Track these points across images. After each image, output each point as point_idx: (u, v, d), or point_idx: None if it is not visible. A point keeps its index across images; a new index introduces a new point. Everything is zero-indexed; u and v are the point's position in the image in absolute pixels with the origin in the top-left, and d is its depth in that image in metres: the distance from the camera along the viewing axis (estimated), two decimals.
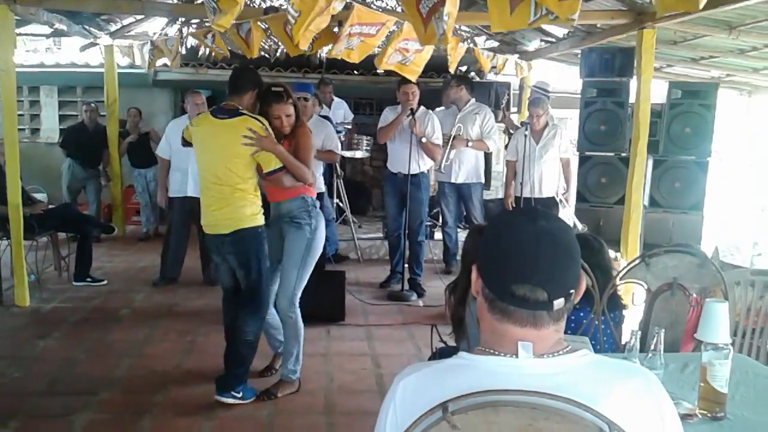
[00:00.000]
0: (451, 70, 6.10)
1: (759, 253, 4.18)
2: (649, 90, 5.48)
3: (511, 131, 7.29)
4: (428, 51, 4.84)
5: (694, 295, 2.74)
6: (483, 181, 6.69)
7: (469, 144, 6.31)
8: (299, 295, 3.69)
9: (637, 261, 2.89)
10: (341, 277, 5.14)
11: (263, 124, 3.43)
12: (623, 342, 2.69)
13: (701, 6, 2.12)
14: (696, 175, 6.23)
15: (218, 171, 3.46)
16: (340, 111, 7.94)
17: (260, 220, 3.55)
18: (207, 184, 3.55)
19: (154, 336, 4.73)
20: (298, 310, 3.70)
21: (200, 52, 6.32)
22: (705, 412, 1.90)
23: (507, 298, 1.16)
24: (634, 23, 5.40)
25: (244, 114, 3.44)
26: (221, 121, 3.46)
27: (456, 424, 1.05)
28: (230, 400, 3.58)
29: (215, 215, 3.53)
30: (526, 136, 5.94)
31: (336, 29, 4.34)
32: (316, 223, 3.67)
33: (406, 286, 5.88)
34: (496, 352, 1.18)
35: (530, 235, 1.16)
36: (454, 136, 6.26)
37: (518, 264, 1.16)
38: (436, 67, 7.76)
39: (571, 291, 1.19)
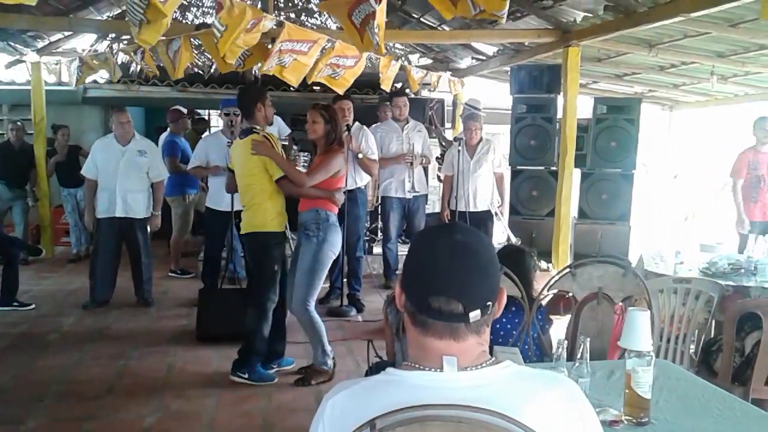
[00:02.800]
0: (385, 87, 6.17)
1: (681, 262, 4.35)
2: (575, 105, 5.69)
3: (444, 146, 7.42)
4: (360, 67, 4.89)
5: (619, 304, 2.84)
6: (427, 192, 6.78)
7: (423, 161, 6.42)
8: (312, 300, 4.07)
9: (565, 272, 2.97)
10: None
11: (265, 136, 3.96)
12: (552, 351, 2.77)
13: None
14: (622, 187, 6.48)
15: (242, 182, 4.08)
16: (274, 127, 7.89)
17: (272, 227, 4.04)
18: (240, 193, 4.17)
19: (84, 361, 4.56)
20: (313, 312, 4.09)
21: (132, 69, 6.18)
22: (630, 418, 1.94)
23: (425, 310, 1.17)
24: (559, 41, 5.61)
25: (255, 131, 4.00)
26: (241, 141, 4.06)
27: None
28: (236, 379, 4.13)
29: (243, 218, 4.13)
30: (459, 151, 6.05)
31: (269, 46, 4.33)
32: (324, 235, 4.05)
33: (345, 302, 5.88)
34: (422, 367, 1.19)
35: (445, 248, 1.18)
36: (423, 155, 6.33)
37: (433, 276, 1.17)
38: (371, 83, 7.83)
39: (488, 303, 1.20)
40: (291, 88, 8.75)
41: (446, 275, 1.17)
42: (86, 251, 7.86)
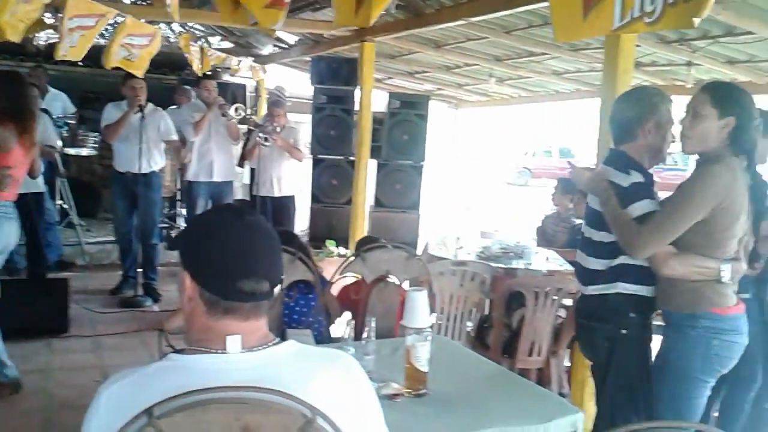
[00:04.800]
0: (195, 68, 5.95)
1: (461, 247, 4.76)
2: (370, 99, 5.93)
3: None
4: (155, 45, 4.69)
5: (404, 285, 3.07)
6: (234, 179, 6.64)
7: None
8: None
9: (354, 256, 3.13)
10: (64, 285, 4.74)
11: None
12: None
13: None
14: (413, 178, 6.90)
15: None
16: (59, 104, 7.25)
17: None
18: None
19: None
20: None
21: None
22: (410, 390, 2.10)
23: (234, 295, 1.18)
24: (356, 36, 5.81)
25: None
26: None
27: (162, 428, 1.04)
28: None
29: None
30: (263, 141, 6.00)
31: (49, 15, 3.99)
32: None
33: (141, 292, 5.61)
34: (206, 350, 1.18)
35: (243, 231, 1.20)
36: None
37: (241, 260, 1.19)
38: (170, 64, 7.49)
39: (282, 278, 1.27)
40: (79, 63, 8.11)
41: (252, 257, 1.19)
42: None
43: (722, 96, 2.28)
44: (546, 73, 6.53)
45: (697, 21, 2.30)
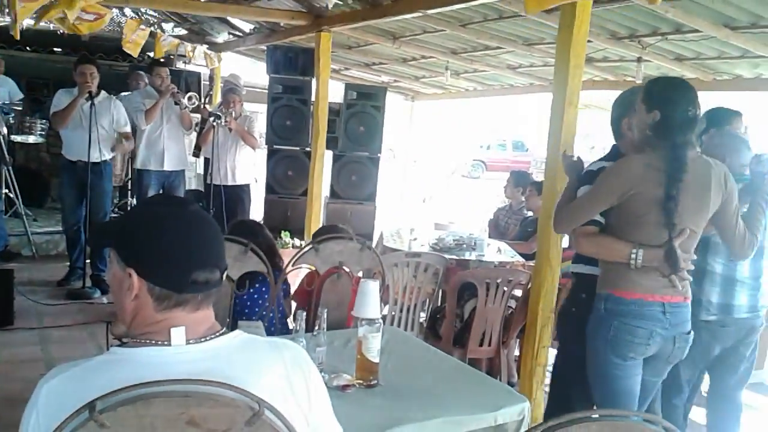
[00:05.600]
0: (131, 52, 5.82)
1: (415, 238, 4.81)
2: (327, 89, 5.90)
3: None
4: (99, 24, 4.53)
5: (357, 276, 3.08)
6: (186, 167, 6.53)
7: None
8: None
9: (308, 247, 3.13)
10: (9, 276, 4.62)
11: None
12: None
13: None
14: (369, 169, 6.91)
15: None
16: (4, 90, 7.04)
17: None
18: None
19: None
20: None
21: None
22: (361, 381, 2.11)
23: (187, 287, 1.17)
24: (312, 26, 5.76)
25: None
26: None
27: (105, 423, 1.02)
28: None
29: None
30: (217, 124, 5.89)
31: None
32: None
33: (89, 283, 5.49)
34: (150, 342, 1.16)
35: (190, 222, 1.19)
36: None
37: (194, 251, 1.18)
38: (122, 50, 7.31)
39: (227, 264, 1.28)
40: (27, 48, 7.86)
41: (204, 247, 1.19)
42: None
43: (649, 91, 2.40)
44: (501, 67, 6.59)
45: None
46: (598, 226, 2.44)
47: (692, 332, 2.44)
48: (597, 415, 1.39)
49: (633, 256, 2.32)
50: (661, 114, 2.32)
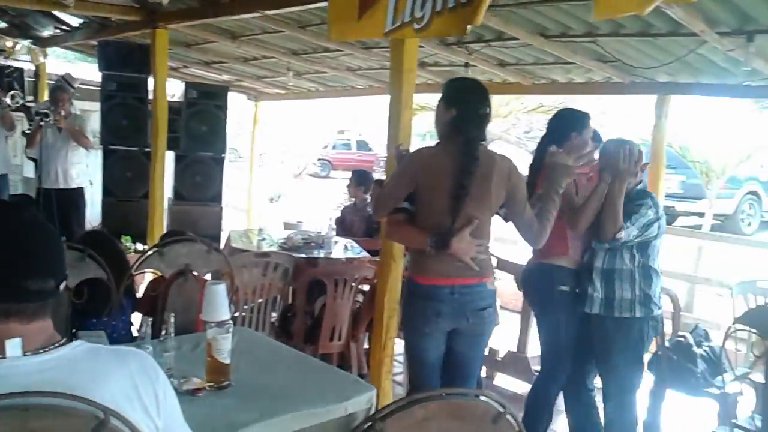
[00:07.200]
0: None
1: (264, 238, 4.81)
2: (165, 88, 5.71)
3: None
4: None
5: (206, 279, 3.04)
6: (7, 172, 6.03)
7: None
8: None
9: (151, 251, 3.04)
10: None
11: None
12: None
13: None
14: (214, 170, 6.79)
15: None
16: None
17: None
18: None
19: None
20: None
21: None
22: (213, 383, 2.09)
23: (19, 296, 1.12)
24: (146, 22, 5.54)
25: None
26: None
27: None
28: None
29: None
30: (45, 123, 5.45)
31: None
32: None
33: None
34: None
35: (25, 227, 1.15)
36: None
37: (25, 259, 1.13)
38: None
39: (66, 274, 1.23)
40: None
41: (36, 254, 1.14)
42: None
43: (448, 90, 2.70)
44: (341, 68, 6.72)
45: (469, 28, 2.59)
46: (406, 213, 2.65)
47: (488, 308, 2.68)
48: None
49: (427, 243, 2.55)
50: (457, 111, 2.58)
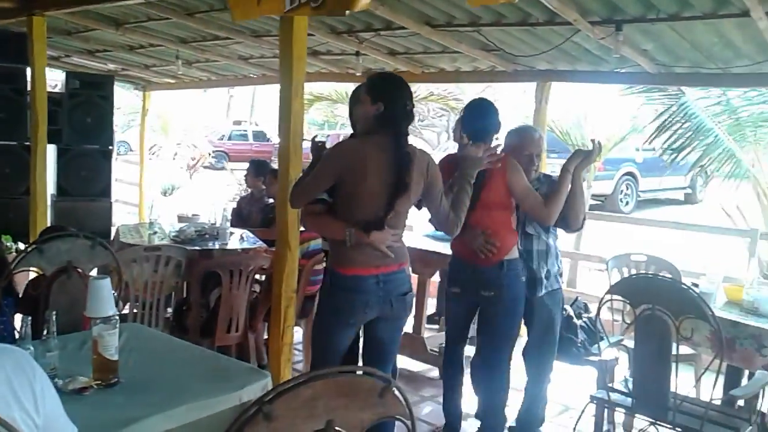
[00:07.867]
0: None
1: (155, 232, 4.68)
2: (44, 78, 5.41)
3: None
4: None
5: (91, 275, 2.93)
6: None
7: None
8: None
9: (31, 248, 2.91)
10: None
11: None
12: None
13: None
14: (101, 163, 6.52)
15: None
16: None
17: None
18: None
19: None
20: None
21: None
22: (100, 381, 2.05)
23: None
24: (20, 9, 5.22)
25: None
26: None
27: None
28: None
29: None
30: None
31: None
32: None
33: None
34: None
35: None
36: None
37: None
38: None
39: None
40: None
41: None
42: None
43: (373, 85, 2.72)
44: (232, 57, 6.61)
45: (348, 12, 2.67)
46: (324, 204, 2.69)
47: (409, 293, 2.78)
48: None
49: (347, 235, 2.59)
50: (384, 106, 2.62)
